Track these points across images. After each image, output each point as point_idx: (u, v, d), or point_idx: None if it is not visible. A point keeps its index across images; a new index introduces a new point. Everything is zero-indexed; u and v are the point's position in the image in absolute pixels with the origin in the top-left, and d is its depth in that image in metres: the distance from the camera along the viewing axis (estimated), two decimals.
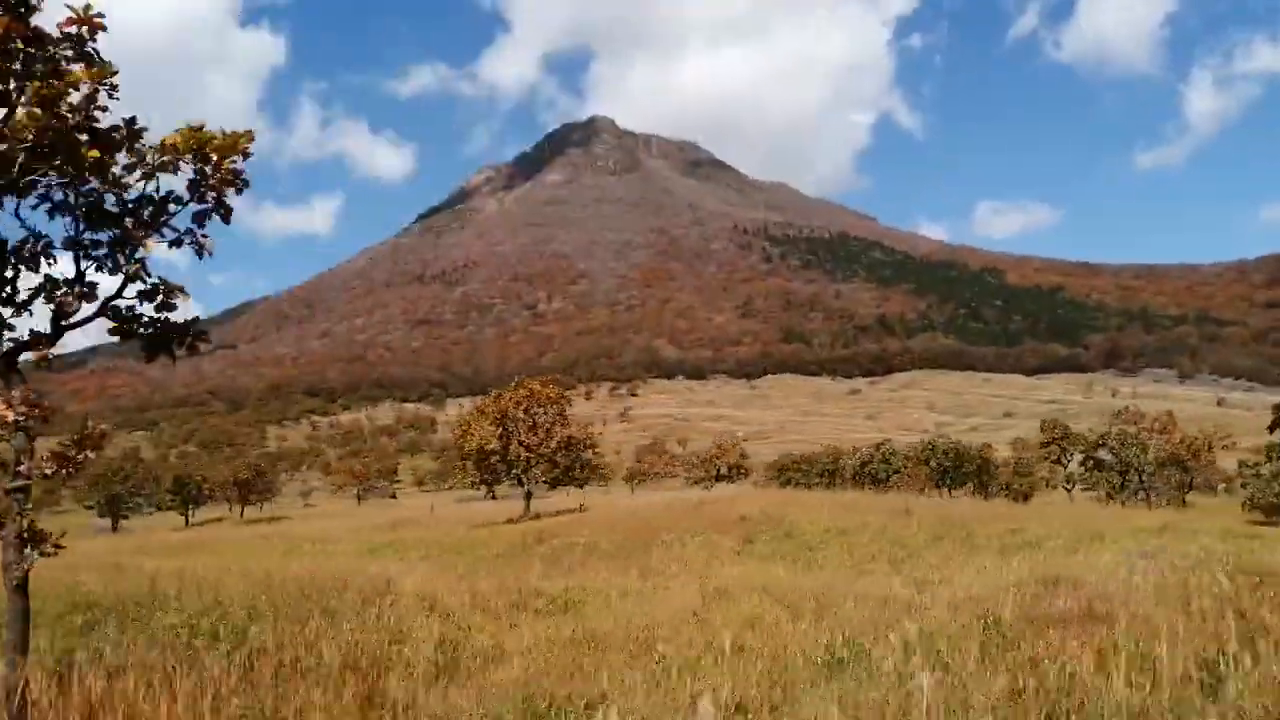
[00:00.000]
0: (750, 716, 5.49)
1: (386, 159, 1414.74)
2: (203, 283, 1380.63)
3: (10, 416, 4.44)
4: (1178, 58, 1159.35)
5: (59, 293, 5.00)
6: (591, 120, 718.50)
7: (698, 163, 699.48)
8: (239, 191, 5.16)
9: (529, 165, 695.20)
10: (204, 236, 5.15)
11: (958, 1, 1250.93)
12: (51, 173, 4.69)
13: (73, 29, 4.59)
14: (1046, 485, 70.18)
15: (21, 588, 4.78)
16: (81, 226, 5.07)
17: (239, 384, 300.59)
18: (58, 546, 4.87)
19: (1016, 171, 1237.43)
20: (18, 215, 4.90)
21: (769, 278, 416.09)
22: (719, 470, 77.25)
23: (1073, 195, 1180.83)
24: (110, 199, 5.06)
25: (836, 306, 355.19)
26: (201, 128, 5.00)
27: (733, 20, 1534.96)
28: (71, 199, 5.00)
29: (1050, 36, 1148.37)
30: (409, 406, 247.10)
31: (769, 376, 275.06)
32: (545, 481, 40.69)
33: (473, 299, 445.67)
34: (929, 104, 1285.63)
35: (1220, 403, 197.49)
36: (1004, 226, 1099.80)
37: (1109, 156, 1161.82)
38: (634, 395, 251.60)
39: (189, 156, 4.99)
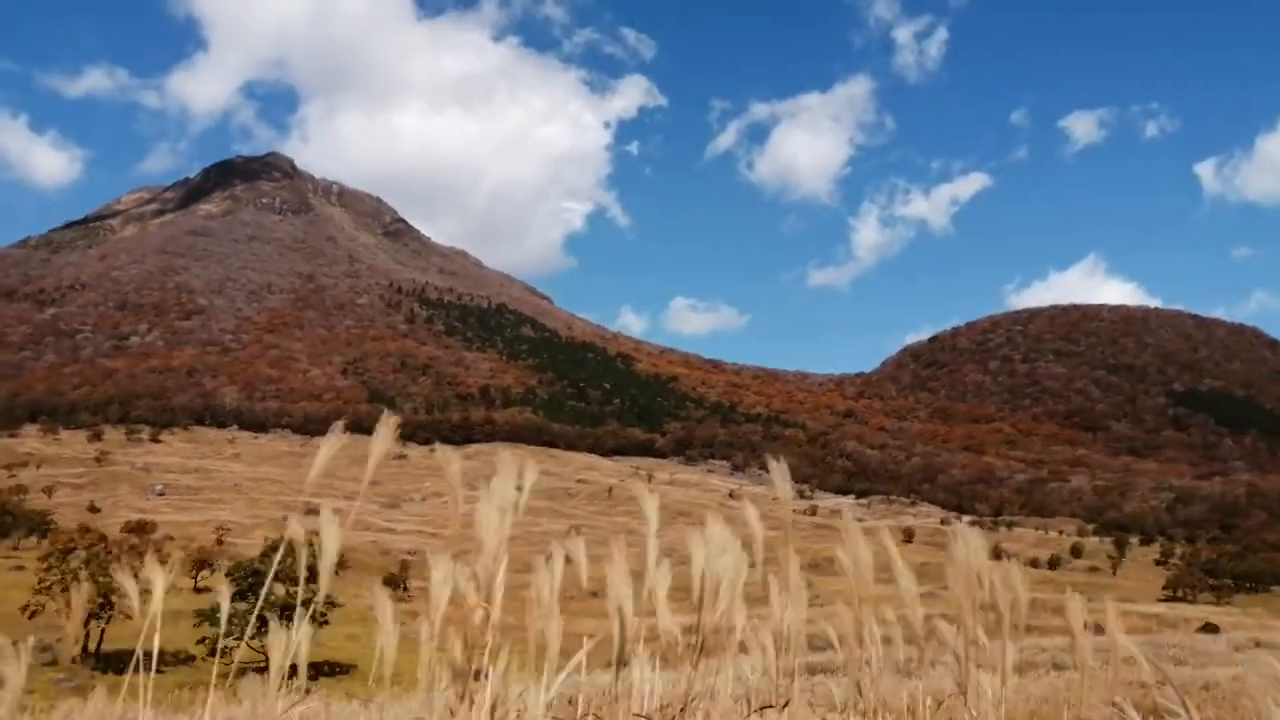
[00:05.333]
0: None
1: (47, 162, 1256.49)
2: None
3: None
4: (851, 194, 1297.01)
5: None
6: (268, 155, 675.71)
7: (378, 217, 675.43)
8: None
9: (189, 192, 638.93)
10: None
11: (669, 115, 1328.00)
12: None
13: None
14: None
15: None
16: None
17: None
18: None
19: (709, 276, 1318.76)
20: None
21: (402, 339, 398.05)
22: None
23: (756, 302, 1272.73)
24: None
25: (450, 374, 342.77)
26: None
27: (456, 87, 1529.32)
28: None
29: (745, 158, 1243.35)
30: None
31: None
32: None
33: (60, 323, 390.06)
34: (638, 207, 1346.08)
35: (733, 494, 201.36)
36: (699, 324, 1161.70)
37: (787, 271, 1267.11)
38: (155, 441, 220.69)
39: None
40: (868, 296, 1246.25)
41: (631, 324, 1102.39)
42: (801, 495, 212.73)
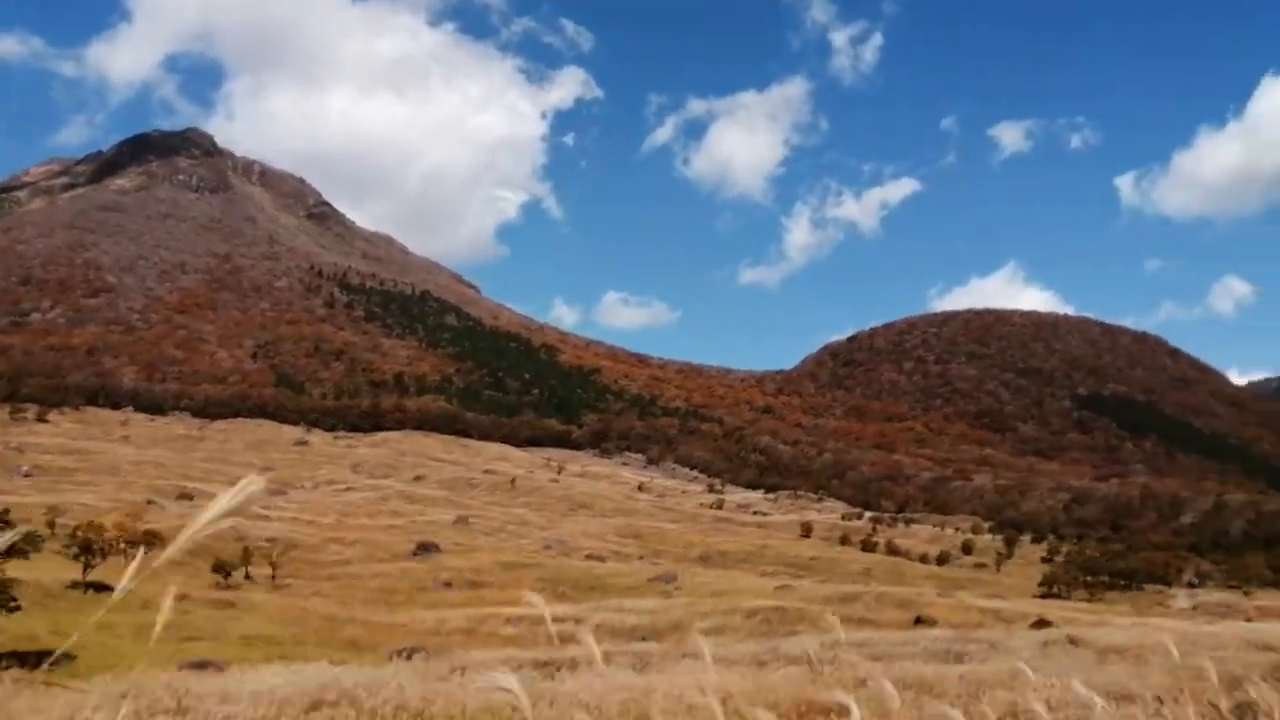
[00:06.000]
0: None
1: None
2: None
3: None
4: (785, 194, 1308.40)
5: None
6: (186, 131, 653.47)
7: (302, 199, 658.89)
8: None
9: (101, 166, 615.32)
10: None
11: (606, 107, 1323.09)
12: None
13: None
14: None
15: None
16: None
17: None
18: None
19: (643, 270, 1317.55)
20: None
21: (319, 323, 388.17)
22: None
23: (687, 298, 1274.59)
24: None
25: (365, 360, 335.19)
26: None
27: (388, 69, 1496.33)
28: None
29: (681, 153, 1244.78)
30: None
31: (239, 419, 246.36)
32: None
33: None
34: (573, 199, 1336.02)
35: (641, 488, 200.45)
36: (631, 318, 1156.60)
37: (719, 269, 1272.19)
38: (42, 421, 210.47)
39: None
40: (797, 296, 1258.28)
41: (564, 316, 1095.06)
42: (711, 489, 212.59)
